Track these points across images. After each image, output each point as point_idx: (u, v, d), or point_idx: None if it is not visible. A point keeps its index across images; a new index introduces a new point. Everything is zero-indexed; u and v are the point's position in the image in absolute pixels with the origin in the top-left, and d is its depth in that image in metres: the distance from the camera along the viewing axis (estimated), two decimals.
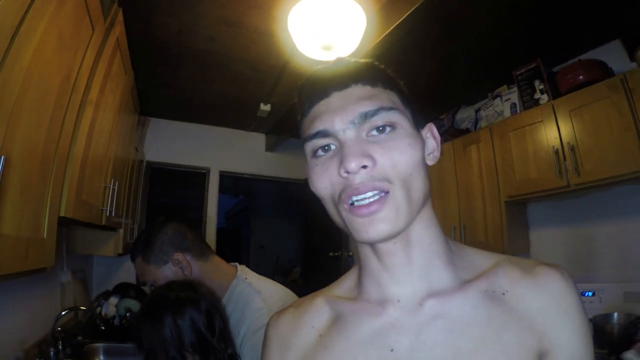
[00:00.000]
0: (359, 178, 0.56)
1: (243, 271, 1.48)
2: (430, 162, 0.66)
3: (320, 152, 0.61)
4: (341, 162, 0.56)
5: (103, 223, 1.94)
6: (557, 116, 2.61)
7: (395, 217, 0.56)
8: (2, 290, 1.78)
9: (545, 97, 2.77)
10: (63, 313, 2.37)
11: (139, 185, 3.78)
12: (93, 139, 1.66)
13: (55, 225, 1.24)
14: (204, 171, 4.44)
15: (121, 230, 2.71)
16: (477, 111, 3.51)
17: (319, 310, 0.70)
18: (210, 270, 1.45)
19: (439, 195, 3.55)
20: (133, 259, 1.47)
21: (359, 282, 0.69)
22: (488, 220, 3.09)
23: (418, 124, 0.65)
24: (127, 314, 3.11)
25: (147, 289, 1.47)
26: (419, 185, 0.59)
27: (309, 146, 0.62)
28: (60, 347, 2.23)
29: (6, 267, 0.91)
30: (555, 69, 2.88)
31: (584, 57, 2.77)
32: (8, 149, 0.88)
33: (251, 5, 2.27)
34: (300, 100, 0.66)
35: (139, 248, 1.44)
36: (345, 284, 0.73)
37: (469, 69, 3.07)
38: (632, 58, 2.46)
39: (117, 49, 1.95)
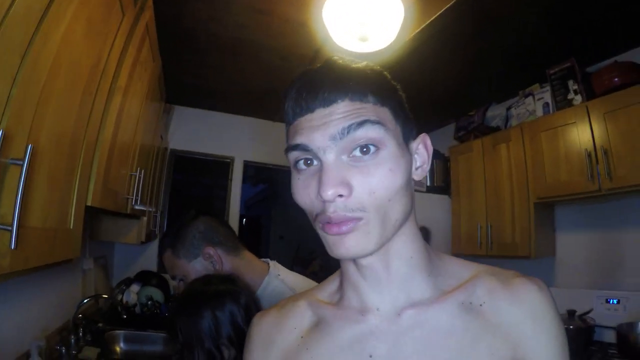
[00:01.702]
0: (333, 207, 0.55)
1: (275, 267, 1.44)
2: (417, 177, 0.65)
3: (302, 165, 0.60)
4: (319, 187, 0.56)
5: (128, 212, 1.92)
6: (591, 118, 2.53)
7: (365, 240, 0.56)
8: (25, 279, 1.78)
9: (578, 97, 2.69)
10: (85, 301, 2.38)
11: (163, 173, 3.78)
12: (121, 126, 1.63)
13: (82, 215, 1.22)
14: (228, 160, 4.40)
15: (144, 218, 2.69)
16: (508, 109, 3.41)
17: (301, 313, 0.71)
18: (242, 265, 1.41)
19: (466, 193, 3.50)
20: (161, 253, 1.44)
21: (340, 287, 0.70)
22: (516, 221, 3.01)
23: (409, 138, 0.64)
24: (149, 302, 3.12)
25: (175, 282, 1.44)
26: (397, 209, 0.59)
27: (291, 157, 0.61)
28: (80, 334, 2.24)
29: (33, 260, 0.88)
30: (589, 69, 2.78)
31: (619, 58, 2.67)
32: (35, 138, 0.84)
33: None
34: (285, 106, 0.63)
35: (169, 241, 1.40)
36: (328, 288, 0.73)
37: (501, 65, 2.98)
38: None
39: (146, 34, 1.91)
